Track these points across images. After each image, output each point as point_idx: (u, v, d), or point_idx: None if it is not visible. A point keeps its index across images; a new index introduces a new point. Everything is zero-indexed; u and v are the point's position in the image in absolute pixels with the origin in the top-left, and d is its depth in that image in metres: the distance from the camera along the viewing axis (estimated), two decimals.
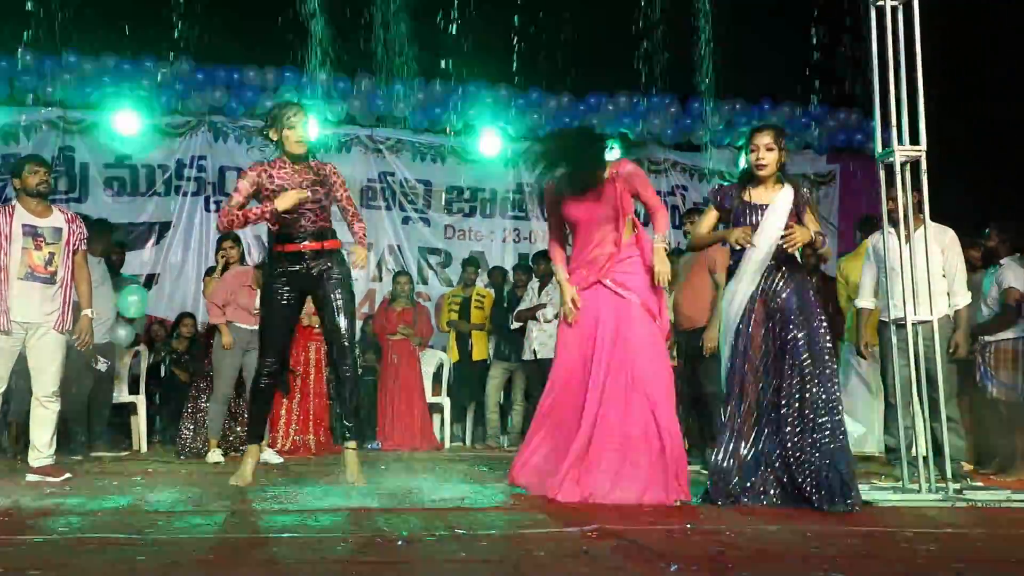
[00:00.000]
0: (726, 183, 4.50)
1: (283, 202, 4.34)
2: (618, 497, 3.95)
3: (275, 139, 4.50)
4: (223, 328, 6.53)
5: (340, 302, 4.47)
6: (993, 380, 5.76)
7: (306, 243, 4.48)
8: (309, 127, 4.50)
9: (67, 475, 5.17)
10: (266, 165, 4.50)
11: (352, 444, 4.47)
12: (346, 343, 4.46)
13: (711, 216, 4.41)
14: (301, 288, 4.53)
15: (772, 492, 3.98)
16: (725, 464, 4.05)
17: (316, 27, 8.09)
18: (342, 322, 4.47)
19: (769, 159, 4.16)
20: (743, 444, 4.06)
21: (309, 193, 4.40)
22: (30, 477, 5.09)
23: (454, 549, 2.85)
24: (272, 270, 4.53)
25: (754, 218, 4.18)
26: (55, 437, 5.27)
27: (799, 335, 4.03)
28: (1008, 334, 5.73)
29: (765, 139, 4.19)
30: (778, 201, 4.17)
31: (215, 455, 6.52)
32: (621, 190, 4.31)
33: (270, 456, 6.59)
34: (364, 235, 4.75)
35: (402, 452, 7.66)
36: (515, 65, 9.19)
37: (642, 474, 4.02)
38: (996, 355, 5.77)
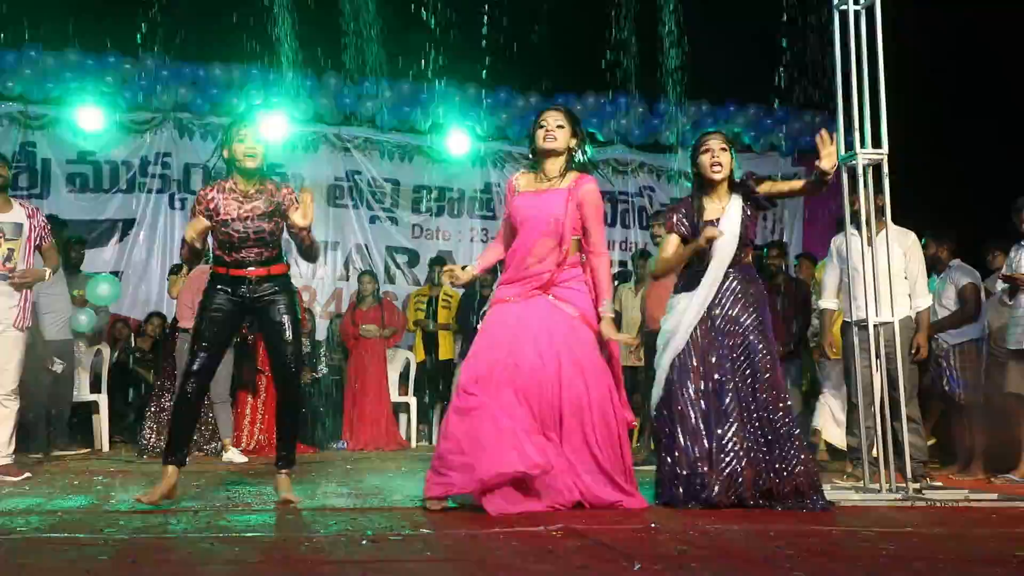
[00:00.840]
0: (669, 206, 4.48)
1: (189, 233, 3.99)
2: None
3: (227, 157, 4.12)
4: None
5: (287, 328, 4.09)
6: (959, 383, 5.86)
7: (251, 269, 4.09)
8: (258, 141, 4.09)
9: (26, 474, 5.11)
10: (214, 189, 4.10)
11: (286, 471, 4.25)
12: (292, 369, 4.11)
13: (673, 240, 4.28)
14: (242, 310, 4.14)
15: (733, 495, 3.95)
16: (682, 469, 4.02)
17: (283, 24, 8.04)
18: (288, 348, 4.10)
19: (724, 160, 4.16)
20: (700, 447, 4.02)
21: (207, 224, 4.01)
22: None
23: (419, 548, 2.85)
24: (212, 288, 4.11)
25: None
26: (14, 436, 5.20)
27: (756, 341, 4.06)
28: (971, 334, 5.84)
29: (718, 141, 4.19)
30: (731, 209, 4.17)
31: (232, 454, 6.53)
32: (576, 205, 3.96)
33: (234, 455, 6.58)
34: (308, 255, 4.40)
35: (368, 451, 7.64)
36: (484, 64, 9.19)
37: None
38: (961, 357, 5.88)
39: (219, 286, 4.09)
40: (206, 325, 4.05)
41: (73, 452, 6.95)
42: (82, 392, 7.44)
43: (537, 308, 3.94)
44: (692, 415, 4.00)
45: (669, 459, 4.03)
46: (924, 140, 8.13)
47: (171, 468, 3.93)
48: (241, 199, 4.06)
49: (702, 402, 4.02)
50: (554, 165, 4.04)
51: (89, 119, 9.07)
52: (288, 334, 4.09)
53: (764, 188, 4.18)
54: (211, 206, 4.04)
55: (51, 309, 6.83)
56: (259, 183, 4.12)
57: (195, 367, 4.00)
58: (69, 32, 8.86)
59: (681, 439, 3.99)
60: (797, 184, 4.37)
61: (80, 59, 9.03)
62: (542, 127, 4.03)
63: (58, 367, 6.77)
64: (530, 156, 4.22)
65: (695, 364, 4.05)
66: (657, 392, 4.18)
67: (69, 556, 2.67)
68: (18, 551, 2.76)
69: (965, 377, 5.86)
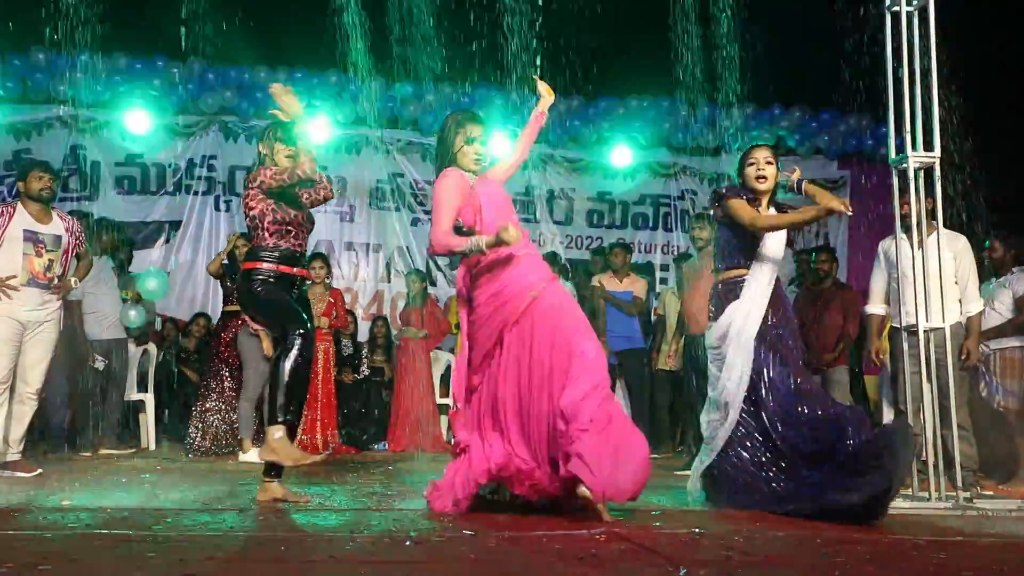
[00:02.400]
0: (725, 187, 4.42)
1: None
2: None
3: (264, 153, 4.39)
4: (263, 335, 6.47)
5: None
6: (999, 389, 5.74)
7: (302, 269, 4.37)
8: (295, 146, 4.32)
9: (38, 471, 5.25)
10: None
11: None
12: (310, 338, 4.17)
13: (748, 206, 4.16)
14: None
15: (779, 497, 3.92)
16: (728, 467, 4.00)
17: (327, 28, 8.10)
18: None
19: (769, 173, 4.16)
20: (748, 445, 4.00)
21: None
22: (3, 473, 5.16)
23: (463, 550, 2.85)
24: (269, 282, 4.21)
25: (758, 233, 4.16)
26: (25, 434, 5.42)
27: (794, 344, 4.06)
28: (1013, 342, 5.71)
29: (764, 154, 4.19)
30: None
31: (252, 455, 6.54)
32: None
33: (252, 455, 6.61)
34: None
35: (410, 452, 7.67)
36: (526, 68, 9.18)
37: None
38: (1002, 363, 5.75)
39: (270, 284, 4.19)
40: (291, 305, 4.17)
41: (120, 451, 7.06)
42: (129, 391, 7.55)
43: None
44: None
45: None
46: (979, 143, 7.97)
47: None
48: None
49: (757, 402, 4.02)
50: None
51: (137, 122, 9.22)
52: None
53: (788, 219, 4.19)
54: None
55: (95, 309, 6.98)
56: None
57: (297, 338, 4.08)
58: (118, 37, 9.00)
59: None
60: (808, 213, 4.18)
61: (129, 63, 9.19)
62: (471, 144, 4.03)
63: (99, 364, 6.90)
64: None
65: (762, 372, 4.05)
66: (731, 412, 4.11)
67: (120, 552, 2.71)
68: (70, 547, 2.81)
69: (1006, 384, 5.73)
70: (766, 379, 4.02)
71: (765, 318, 4.08)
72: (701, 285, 6.13)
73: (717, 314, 4.23)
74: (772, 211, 4.19)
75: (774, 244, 4.14)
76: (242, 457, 6.60)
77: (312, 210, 4.55)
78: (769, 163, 4.17)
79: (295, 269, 4.29)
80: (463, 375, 4.01)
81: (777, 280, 4.19)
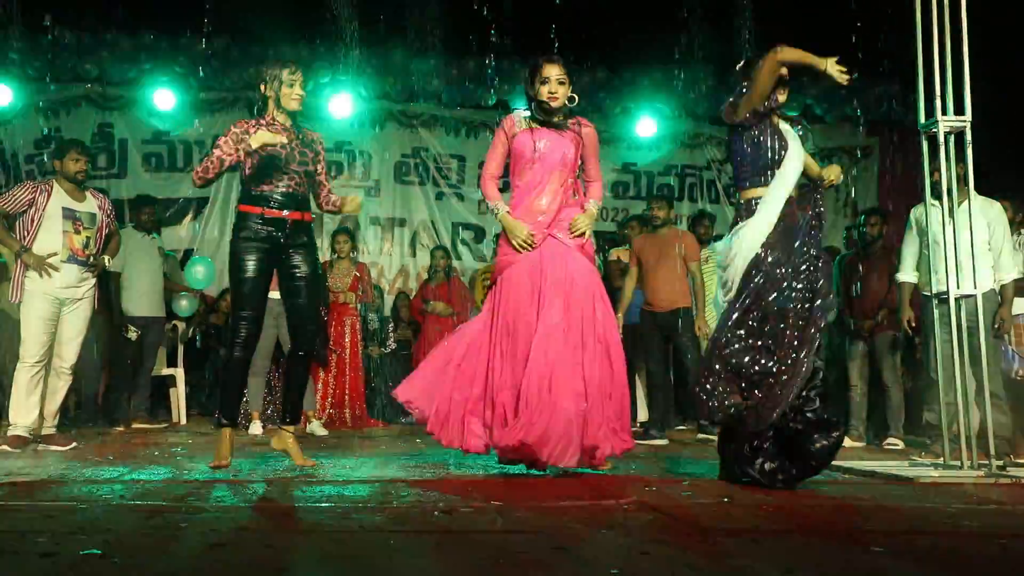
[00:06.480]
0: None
1: (256, 139, 3.94)
2: (571, 449, 3.84)
3: (269, 95, 4.21)
4: None
5: (308, 280, 4.14)
6: (1015, 357, 5.64)
7: (286, 211, 4.08)
8: (305, 88, 4.20)
9: (73, 444, 5.37)
10: (251, 122, 4.18)
11: (291, 428, 4.24)
12: (309, 325, 4.18)
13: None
14: (270, 259, 4.11)
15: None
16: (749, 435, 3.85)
17: (351, 4, 8.07)
18: (306, 301, 4.16)
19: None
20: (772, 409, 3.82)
21: (284, 139, 4.03)
22: (38, 446, 5.28)
23: (491, 519, 2.86)
24: (240, 235, 4.07)
25: (776, 144, 3.94)
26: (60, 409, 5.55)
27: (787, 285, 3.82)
28: None
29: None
30: (793, 133, 4.01)
31: (255, 427, 6.63)
32: (581, 143, 4.23)
33: (316, 428, 6.72)
34: (335, 204, 4.34)
35: None
36: (548, 39, 9.09)
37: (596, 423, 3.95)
38: (1016, 332, 5.64)
39: (246, 234, 4.05)
40: (247, 287, 4.06)
41: (152, 425, 7.16)
42: (159, 367, 7.65)
43: (542, 262, 4.09)
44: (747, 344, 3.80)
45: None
46: (1013, 105, 7.80)
47: (228, 431, 4.14)
48: (283, 130, 4.16)
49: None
50: (556, 112, 4.19)
51: (163, 99, 9.25)
52: (309, 288, 4.18)
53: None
54: (252, 131, 4.09)
55: (131, 285, 7.07)
56: (294, 127, 4.25)
57: (242, 334, 4.07)
58: (143, 15, 9.03)
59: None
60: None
61: (154, 41, 9.20)
62: (545, 84, 4.14)
63: (132, 334, 7.00)
64: (530, 106, 4.27)
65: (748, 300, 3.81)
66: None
67: (153, 523, 2.75)
68: (104, 518, 2.85)
69: (1022, 352, 5.62)
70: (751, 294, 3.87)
71: (768, 244, 3.85)
72: (666, 263, 6.50)
73: (731, 233, 4.06)
74: (783, 124, 4.03)
75: (792, 165, 3.95)
76: (250, 430, 6.67)
77: (337, 185, 4.52)
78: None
79: (284, 212, 4.12)
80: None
81: (793, 213, 3.89)
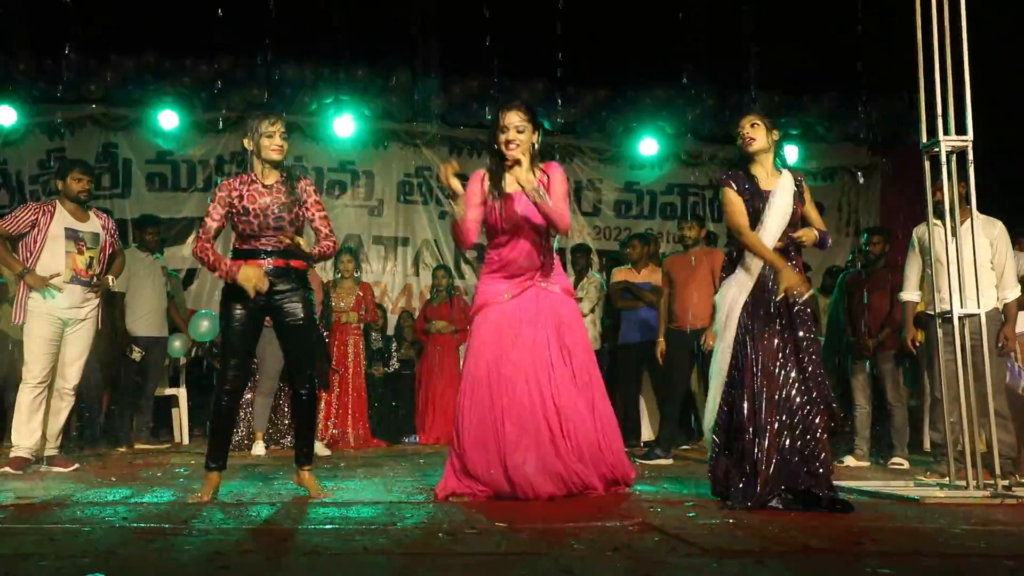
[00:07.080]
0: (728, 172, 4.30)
1: (244, 280, 4.00)
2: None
3: (250, 148, 4.19)
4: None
5: (302, 324, 4.14)
6: (1021, 374, 5.62)
7: (271, 259, 4.11)
8: (286, 139, 4.18)
9: (75, 466, 5.38)
10: (236, 182, 4.19)
11: (308, 467, 4.23)
12: (305, 369, 4.18)
13: (740, 203, 4.05)
14: (258, 308, 4.13)
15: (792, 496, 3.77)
16: (744, 466, 3.86)
17: (353, 22, 8.12)
18: (302, 346, 4.19)
19: (756, 134, 4.05)
20: (762, 444, 3.84)
21: (265, 285, 4.03)
22: (40, 468, 5.27)
23: (496, 542, 2.85)
24: (228, 285, 4.12)
25: (759, 204, 4.04)
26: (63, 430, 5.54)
27: (805, 333, 3.92)
28: None
29: (748, 119, 4.13)
30: (783, 182, 4.05)
31: (259, 447, 6.60)
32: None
33: (319, 448, 6.68)
34: (321, 251, 4.23)
35: (440, 445, 7.68)
36: (554, 59, 9.14)
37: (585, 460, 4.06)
38: (1022, 349, 5.62)
39: (236, 286, 4.07)
40: (234, 336, 4.12)
41: (155, 446, 7.15)
42: (161, 387, 7.65)
43: (530, 303, 4.18)
44: (746, 409, 3.82)
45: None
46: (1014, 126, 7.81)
47: (214, 475, 4.07)
48: (262, 190, 4.15)
49: (763, 390, 3.83)
50: (523, 166, 4.11)
51: (167, 120, 9.29)
52: (303, 332, 4.16)
53: (808, 203, 4.11)
54: (235, 195, 4.13)
55: (134, 305, 7.08)
56: (281, 174, 4.22)
57: (229, 381, 4.09)
58: (148, 36, 9.08)
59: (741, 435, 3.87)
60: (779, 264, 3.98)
61: (158, 62, 9.24)
62: (504, 132, 4.10)
63: (136, 355, 7.01)
64: (490, 155, 4.27)
65: (749, 353, 3.88)
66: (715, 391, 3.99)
67: (156, 546, 2.74)
68: (108, 540, 2.84)
69: None
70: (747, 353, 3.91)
71: (754, 293, 3.94)
72: (695, 281, 6.45)
73: (722, 289, 4.12)
74: (783, 176, 4.07)
75: (774, 222, 3.99)
76: (253, 451, 6.62)
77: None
78: (754, 126, 4.10)
79: (269, 261, 4.13)
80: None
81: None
